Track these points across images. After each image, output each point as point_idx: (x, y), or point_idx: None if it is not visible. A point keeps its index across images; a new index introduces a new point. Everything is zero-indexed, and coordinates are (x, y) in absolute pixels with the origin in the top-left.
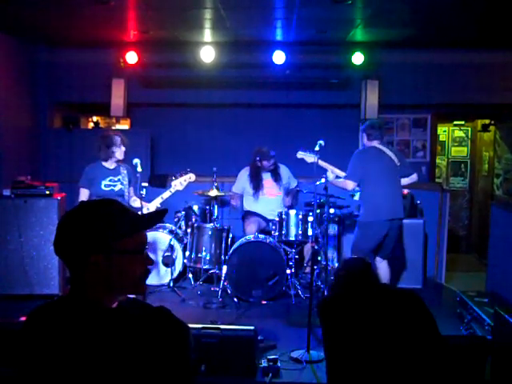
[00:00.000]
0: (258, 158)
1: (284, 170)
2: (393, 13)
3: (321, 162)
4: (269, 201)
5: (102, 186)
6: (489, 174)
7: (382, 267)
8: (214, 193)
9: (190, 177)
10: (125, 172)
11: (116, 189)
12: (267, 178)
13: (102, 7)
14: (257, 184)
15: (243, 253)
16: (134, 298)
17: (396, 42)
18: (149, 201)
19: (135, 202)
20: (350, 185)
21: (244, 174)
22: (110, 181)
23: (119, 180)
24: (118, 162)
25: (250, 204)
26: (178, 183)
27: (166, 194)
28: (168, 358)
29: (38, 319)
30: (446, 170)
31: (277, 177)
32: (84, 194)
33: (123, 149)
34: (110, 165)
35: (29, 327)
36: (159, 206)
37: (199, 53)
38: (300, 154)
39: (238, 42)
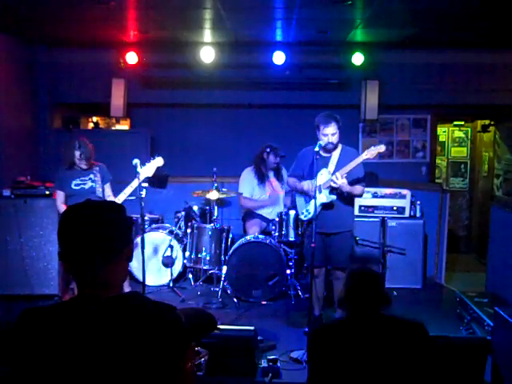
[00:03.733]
0: (267, 150)
1: (285, 174)
2: (393, 13)
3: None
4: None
5: (72, 186)
6: (489, 174)
7: None
8: (214, 193)
9: (158, 161)
10: (97, 169)
11: (86, 186)
12: (271, 177)
13: (102, 7)
14: (263, 179)
15: (243, 253)
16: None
17: (396, 42)
18: (149, 201)
19: (109, 198)
20: (364, 191)
21: (249, 174)
22: (81, 180)
23: (90, 178)
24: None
25: None
26: (146, 170)
27: (135, 183)
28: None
29: (46, 321)
30: (445, 170)
31: (279, 177)
32: (60, 197)
33: (77, 154)
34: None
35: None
36: (127, 194)
37: (199, 53)
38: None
39: (237, 43)
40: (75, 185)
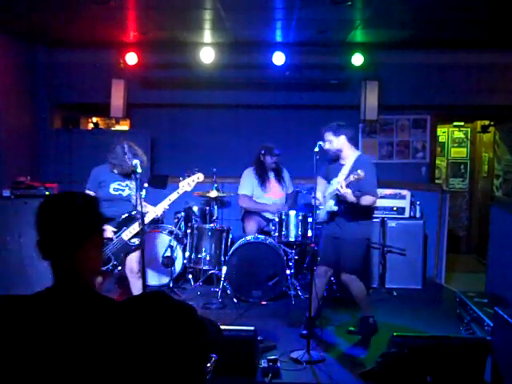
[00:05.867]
0: (262, 152)
1: (286, 175)
2: (392, 14)
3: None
4: (273, 201)
5: (111, 190)
6: (488, 174)
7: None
8: (213, 193)
9: (199, 177)
10: (132, 176)
11: (124, 194)
12: (272, 179)
13: (102, 7)
14: (263, 179)
15: (243, 253)
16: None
17: (396, 42)
18: (150, 201)
19: (145, 208)
20: (376, 201)
21: (249, 174)
22: (119, 185)
23: (127, 185)
24: None
25: None
26: (186, 184)
27: (174, 196)
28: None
29: (23, 312)
30: (445, 170)
31: (280, 178)
32: None
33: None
34: None
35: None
36: (167, 207)
37: (199, 54)
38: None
39: (237, 43)
40: (114, 189)
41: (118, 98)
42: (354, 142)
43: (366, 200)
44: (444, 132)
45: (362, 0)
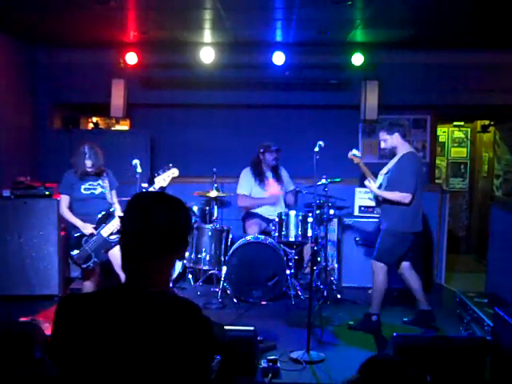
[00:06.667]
0: (261, 150)
1: (284, 173)
2: (393, 14)
3: (362, 166)
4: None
5: (82, 190)
6: (488, 174)
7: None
8: (213, 193)
9: (173, 172)
10: (104, 175)
11: (96, 192)
12: (270, 178)
13: (102, 7)
14: (261, 179)
15: (243, 253)
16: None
17: (396, 42)
18: None
19: (117, 210)
20: (408, 198)
21: (247, 174)
22: (90, 185)
23: (99, 184)
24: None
25: None
26: (162, 179)
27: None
28: (187, 349)
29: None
30: (445, 170)
31: (278, 177)
32: (65, 201)
33: (89, 163)
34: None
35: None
36: None
37: (199, 53)
38: (353, 153)
39: (237, 43)
40: (85, 189)
41: (118, 97)
42: (406, 139)
43: (391, 195)
44: (444, 132)
45: (362, 0)
